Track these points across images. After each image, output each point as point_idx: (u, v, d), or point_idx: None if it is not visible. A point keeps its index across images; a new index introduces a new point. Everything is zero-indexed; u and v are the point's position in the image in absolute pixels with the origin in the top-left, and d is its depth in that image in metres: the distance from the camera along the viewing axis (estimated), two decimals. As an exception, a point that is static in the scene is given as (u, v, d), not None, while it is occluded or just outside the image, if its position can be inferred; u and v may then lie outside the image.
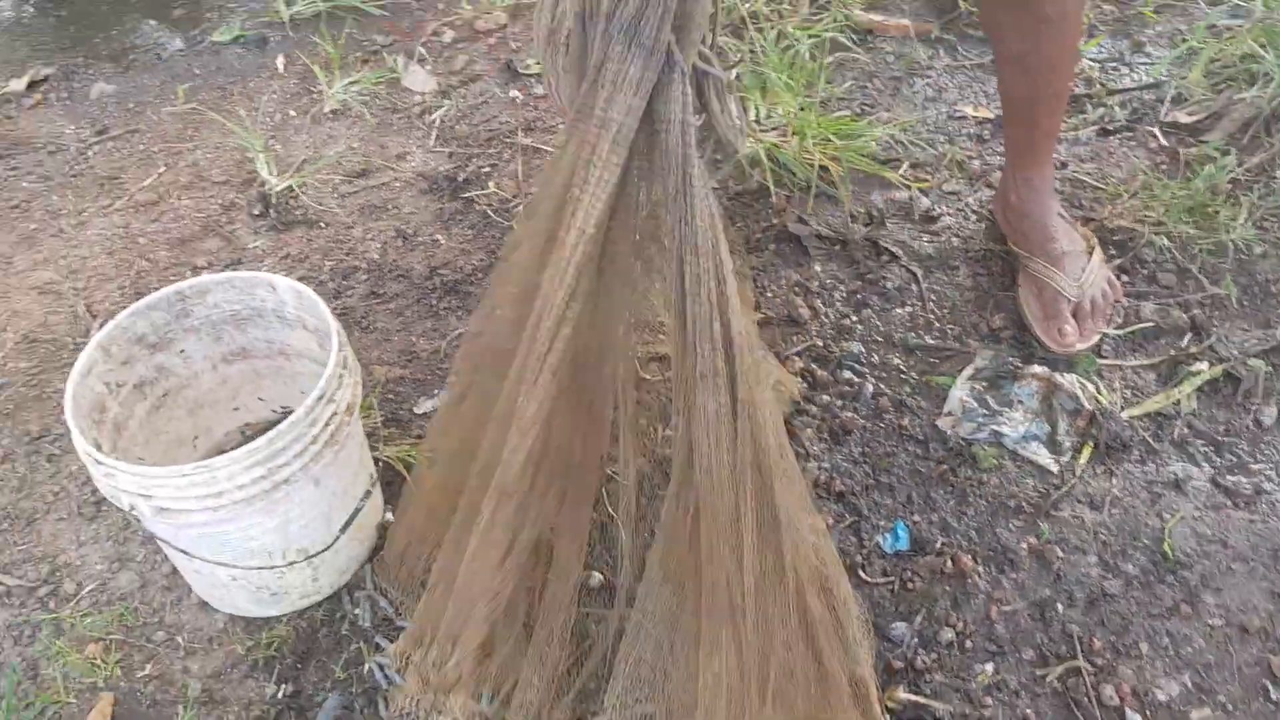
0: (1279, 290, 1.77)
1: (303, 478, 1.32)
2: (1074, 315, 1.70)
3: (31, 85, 2.53)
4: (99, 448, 1.33)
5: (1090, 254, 1.75)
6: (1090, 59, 2.25)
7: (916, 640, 1.40)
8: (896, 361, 1.73)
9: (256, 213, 2.14)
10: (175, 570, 1.53)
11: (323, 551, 1.43)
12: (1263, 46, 2.06)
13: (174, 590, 1.54)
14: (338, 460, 1.38)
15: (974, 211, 1.96)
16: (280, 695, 1.41)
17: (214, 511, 1.28)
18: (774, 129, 2.05)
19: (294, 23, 2.65)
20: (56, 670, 1.44)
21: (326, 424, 1.33)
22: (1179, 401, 1.63)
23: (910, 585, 1.45)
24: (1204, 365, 1.66)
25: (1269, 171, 1.94)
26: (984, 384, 1.67)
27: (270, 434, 1.27)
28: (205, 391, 1.59)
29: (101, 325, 1.61)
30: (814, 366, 1.71)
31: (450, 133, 2.28)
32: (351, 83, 2.43)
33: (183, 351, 1.53)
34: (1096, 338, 1.71)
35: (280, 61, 2.55)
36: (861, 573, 1.47)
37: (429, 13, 2.67)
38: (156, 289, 1.47)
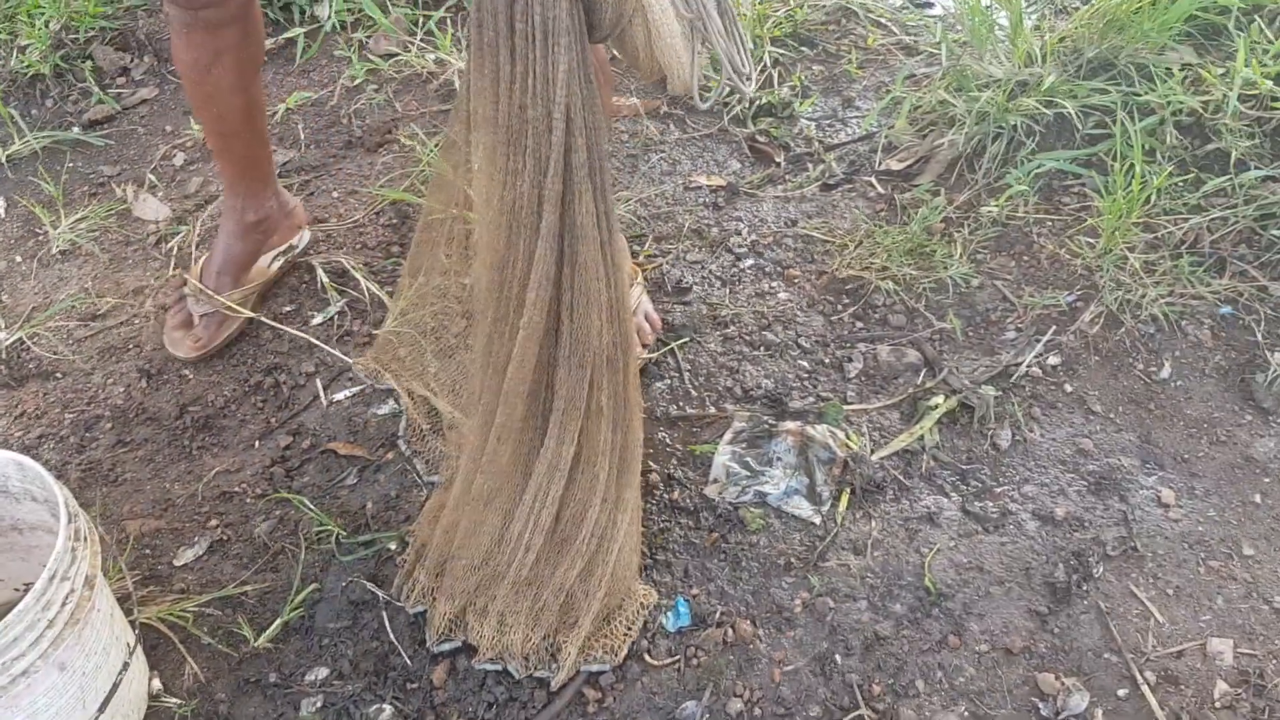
0: (998, 318, 1.90)
1: (44, 666, 1.24)
2: None
3: None
4: None
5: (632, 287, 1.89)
6: (807, 119, 2.38)
7: (707, 717, 1.41)
8: (661, 435, 1.77)
9: (-15, 371, 2.00)
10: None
11: (81, 738, 1.33)
12: (954, 92, 2.22)
13: (-81, 807, 1.40)
14: (83, 639, 1.29)
15: (717, 278, 2.03)
16: None
17: (-56, 719, 1.19)
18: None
19: (11, 163, 2.52)
20: None
21: (64, 604, 1.25)
22: (922, 437, 1.72)
23: (695, 661, 1.47)
24: (940, 399, 1.76)
25: (975, 207, 2.09)
26: (744, 445, 1.72)
27: (-3, 626, 1.19)
28: (-69, 582, 1.47)
29: None
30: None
31: (187, 260, 2.20)
32: (79, 219, 2.32)
33: (-102, 545, 1.41)
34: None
35: (1, 206, 2.42)
36: (648, 656, 1.48)
37: (157, 137, 2.58)
38: None
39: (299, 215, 2.12)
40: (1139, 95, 2.06)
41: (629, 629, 1.49)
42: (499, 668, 1.46)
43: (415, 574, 1.54)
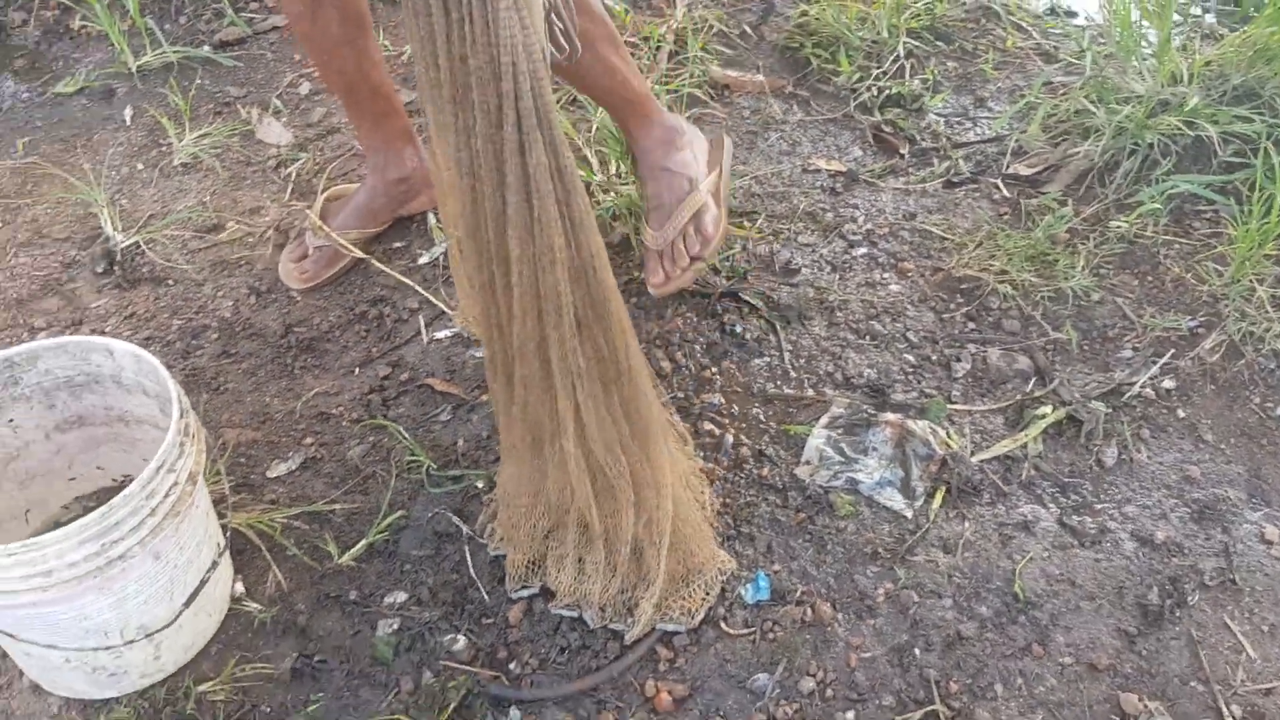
0: (1115, 335, 1.85)
1: (141, 552, 1.26)
2: (661, 262, 1.85)
3: None
4: (-86, 526, 1.25)
5: (683, 201, 1.87)
6: (936, 114, 2.34)
7: (778, 690, 1.40)
8: (756, 412, 1.75)
9: (100, 270, 2.05)
10: (4, 653, 1.44)
11: (165, 628, 1.36)
12: (1094, 103, 2.16)
13: (3, 673, 1.44)
14: (179, 532, 1.32)
15: (828, 263, 2.00)
16: (119, 783, 1.33)
17: (43, 592, 1.22)
18: (632, 181, 2.06)
19: (142, 74, 2.58)
20: None
21: (166, 495, 1.28)
22: (1026, 444, 1.68)
23: (771, 635, 1.46)
24: (1048, 409, 1.72)
25: (1103, 221, 2.04)
26: (840, 431, 1.70)
27: (104, 508, 1.21)
28: (38, 462, 1.51)
29: (-76, 394, 1.51)
30: (675, 419, 1.72)
31: (307, 187, 2.24)
32: (203, 135, 2.36)
33: (11, 421, 1.45)
34: (685, 277, 1.86)
35: (128, 113, 2.48)
36: (724, 624, 1.47)
37: (285, 64, 2.62)
38: (-13, 354, 1.40)
39: None
40: (1286, 126, 1.99)
41: (707, 594, 1.48)
42: (575, 614, 1.46)
43: (496, 518, 1.55)
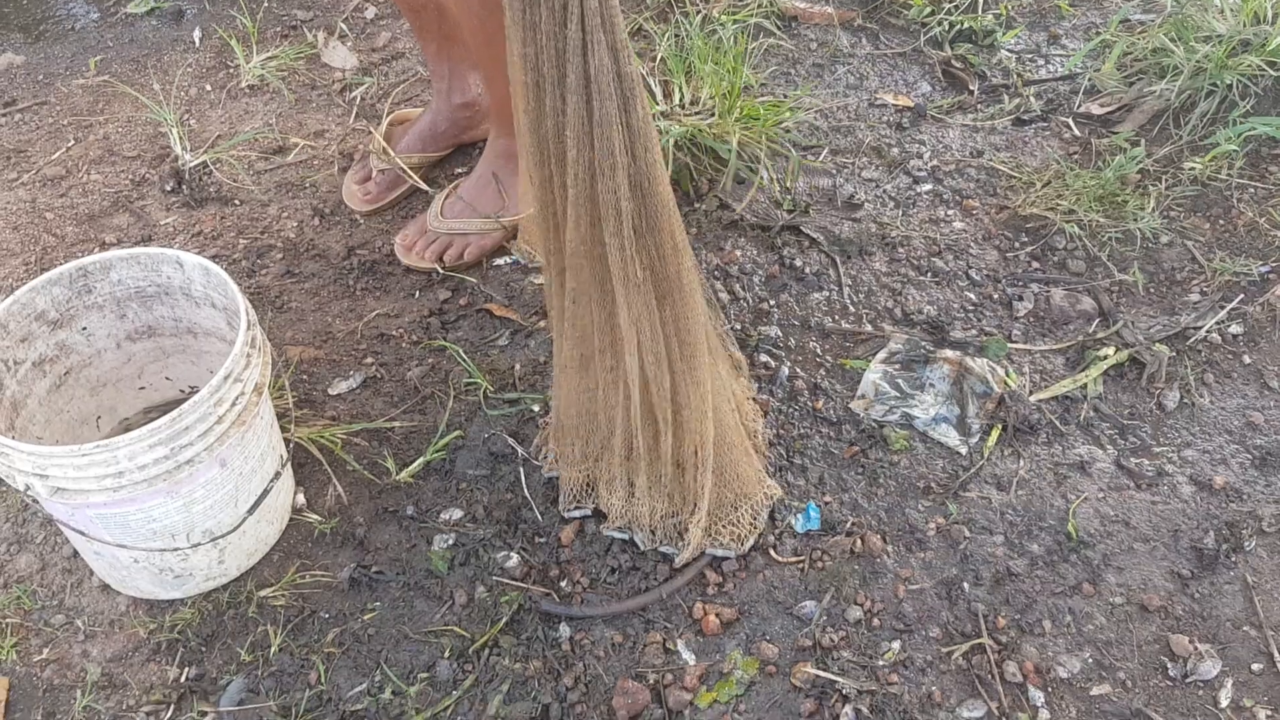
0: (1183, 278, 1.82)
1: (208, 458, 1.30)
2: (421, 235, 1.90)
3: (-66, 54, 2.45)
4: (-7, 426, 1.29)
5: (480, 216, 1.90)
6: (1008, 50, 2.29)
7: (825, 618, 1.41)
8: (813, 345, 1.75)
9: (169, 189, 2.09)
10: (76, 553, 1.50)
11: (229, 533, 1.40)
12: (1173, 41, 2.10)
13: (74, 573, 1.50)
14: (245, 441, 1.35)
15: (891, 199, 1.98)
16: (183, 679, 1.38)
17: (114, 492, 1.26)
18: (697, 113, 2.05)
19: (211, -4, 2.59)
20: (-50, 655, 1.41)
21: (233, 404, 1.31)
22: (1085, 385, 1.66)
23: (820, 564, 1.47)
24: (1110, 350, 1.70)
25: (1176, 163, 1.99)
26: (897, 367, 1.69)
27: (174, 413, 1.25)
28: (108, 370, 1.55)
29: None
30: (733, 349, 1.72)
31: (371, 111, 2.25)
32: (270, 58, 2.38)
33: (84, 329, 1.49)
34: (422, 264, 1.89)
35: (196, 35, 2.50)
36: (773, 552, 1.48)
37: (351, -11, 2.62)
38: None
39: None
40: (1375, 68, 1.92)
41: (754, 520, 1.49)
42: (626, 536, 1.48)
43: (550, 440, 1.57)
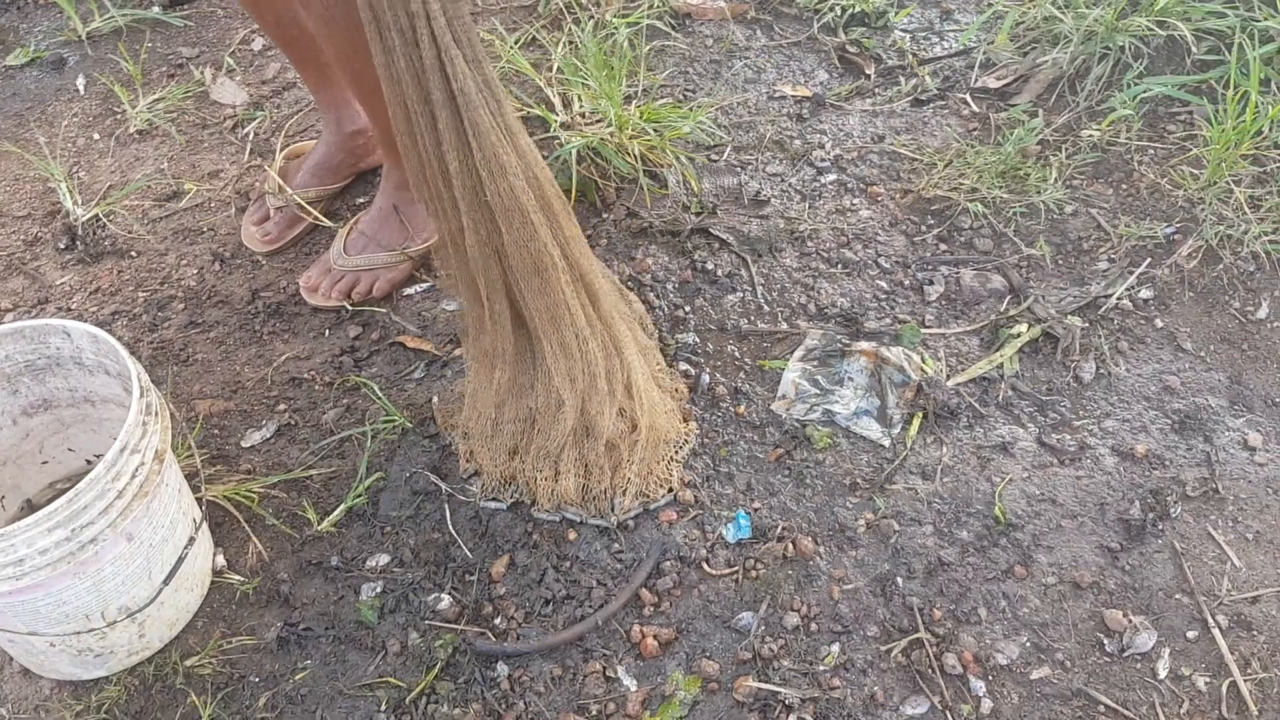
0: (1090, 247, 1.83)
1: (112, 535, 1.26)
2: (326, 275, 1.86)
3: None
4: (-119, 525, 1.24)
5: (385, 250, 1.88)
6: (901, 30, 2.29)
7: (763, 628, 1.40)
8: (730, 348, 1.74)
9: (62, 246, 2.02)
10: (-10, 641, 1.44)
11: (146, 606, 1.36)
12: (1061, 8, 2.11)
13: (-9, 662, 1.45)
14: (151, 511, 1.31)
15: (797, 192, 1.97)
16: (112, 761, 1.34)
17: (16, 580, 1.21)
18: (598, 121, 2.03)
19: (92, 41, 2.52)
20: None
21: (133, 475, 1.27)
22: (1001, 365, 1.67)
23: (754, 573, 1.46)
24: (1023, 327, 1.70)
25: (1075, 131, 2.00)
26: (815, 363, 1.69)
27: (70, 493, 1.20)
28: (7, 448, 1.50)
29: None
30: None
31: (265, 147, 2.20)
32: (157, 100, 2.32)
33: (-26, 410, 1.44)
34: (328, 303, 1.85)
35: (80, 83, 2.43)
36: (706, 565, 1.47)
37: (236, 20, 2.56)
38: (-62, 346, 1.38)
39: None
40: (1259, 20, 1.94)
41: (674, 456, 1.55)
42: (557, 518, 1.49)
43: (465, 447, 1.58)
